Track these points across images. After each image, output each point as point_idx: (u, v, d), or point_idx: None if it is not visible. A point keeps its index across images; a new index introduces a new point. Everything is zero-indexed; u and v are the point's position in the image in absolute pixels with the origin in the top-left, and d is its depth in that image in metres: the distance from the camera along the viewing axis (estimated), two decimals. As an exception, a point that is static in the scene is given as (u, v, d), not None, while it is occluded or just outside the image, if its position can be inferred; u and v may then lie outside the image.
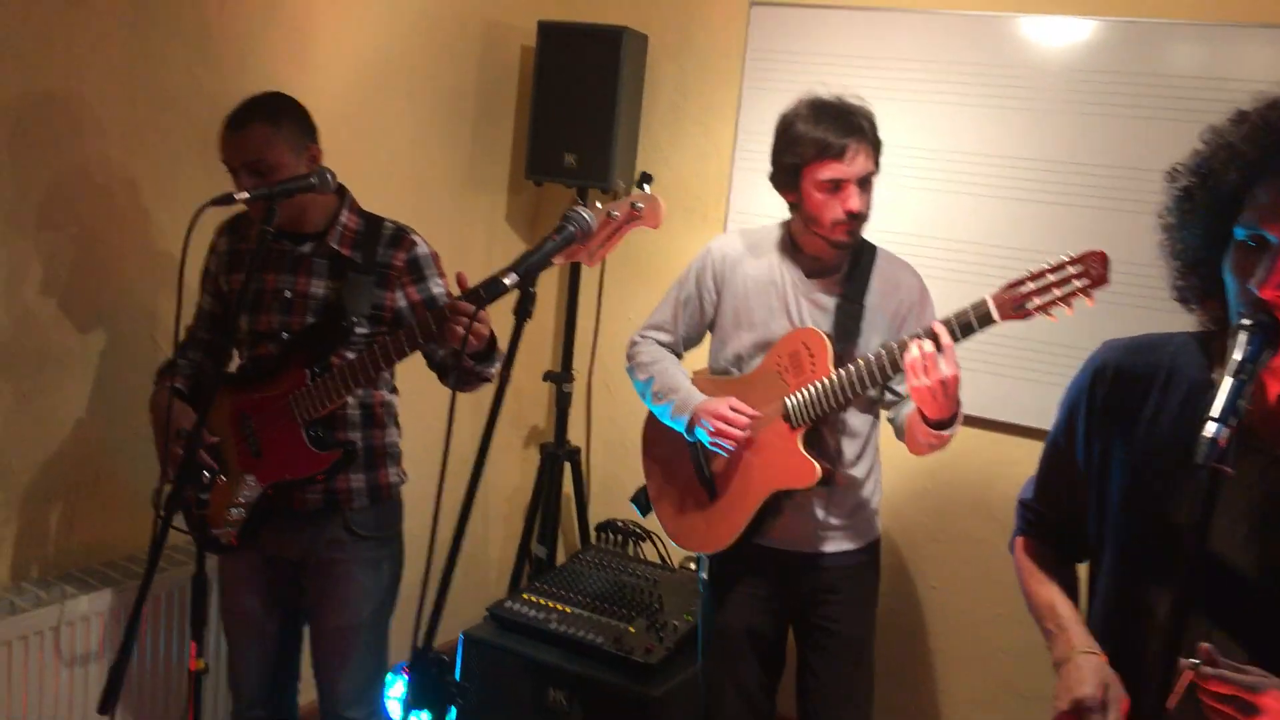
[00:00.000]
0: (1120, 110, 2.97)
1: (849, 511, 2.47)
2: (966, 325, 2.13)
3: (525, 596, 2.99)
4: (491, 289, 1.65)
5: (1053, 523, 1.71)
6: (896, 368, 2.20)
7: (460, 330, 2.07)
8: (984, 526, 3.24)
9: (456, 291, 2.11)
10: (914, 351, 2.12)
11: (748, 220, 3.43)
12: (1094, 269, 1.99)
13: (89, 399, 2.61)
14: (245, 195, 1.99)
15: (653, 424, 2.62)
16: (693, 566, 3.43)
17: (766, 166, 3.36)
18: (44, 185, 2.44)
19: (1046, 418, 2.86)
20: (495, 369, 2.33)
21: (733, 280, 2.49)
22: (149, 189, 2.64)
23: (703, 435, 2.41)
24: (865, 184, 2.33)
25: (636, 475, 3.81)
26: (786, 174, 2.36)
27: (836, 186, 2.29)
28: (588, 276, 3.73)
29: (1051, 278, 2.03)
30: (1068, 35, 3.02)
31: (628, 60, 3.38)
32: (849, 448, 2.45)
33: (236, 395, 2.36)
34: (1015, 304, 2.06)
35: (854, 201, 2.30)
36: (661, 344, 2.62)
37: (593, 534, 3.63)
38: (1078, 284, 2.01)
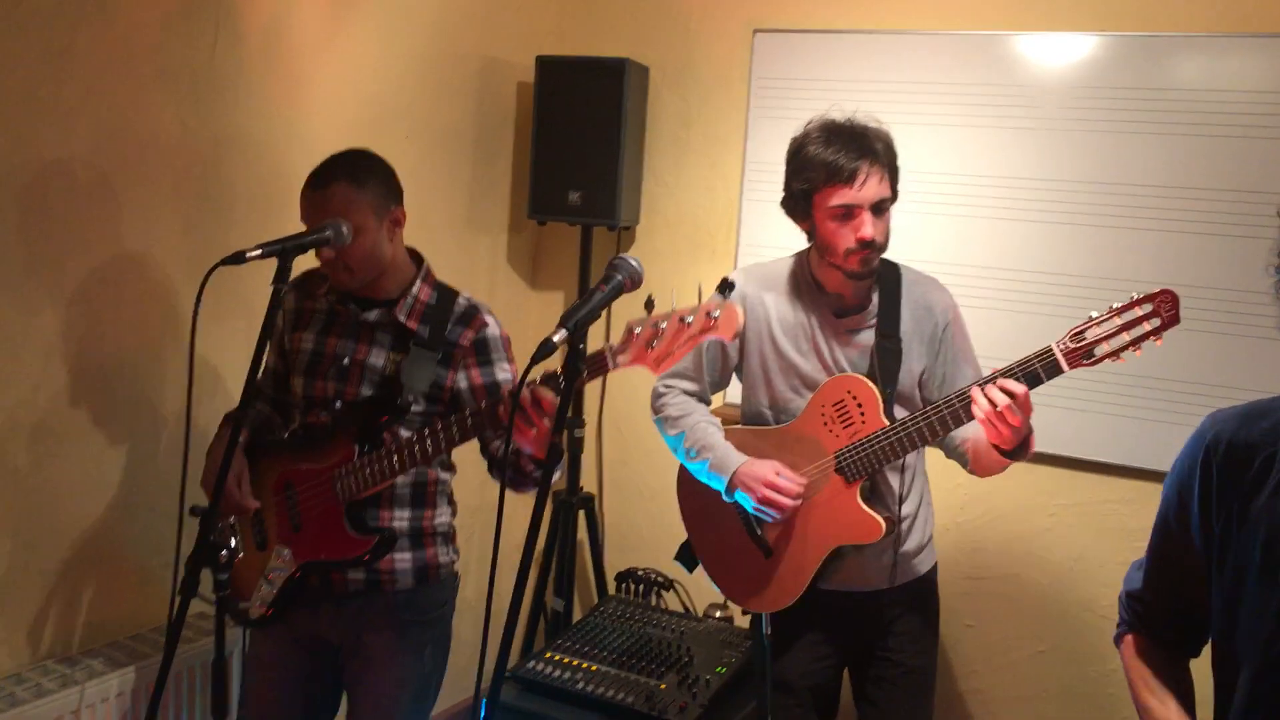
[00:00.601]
0: (1125, 126, 2.94)
1: (906, 545, 2.40)
2: (1032, 377, 2.06)
3: (549, 655, 2.89)
4: (540, 350, 1.57)
5: (1165, 615, 1.62)
6: (960, 421, 2.14)
7: (526, 429, 1.98)
8: (1019, 562, 3.17)
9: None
10: (984, 403, 2.05)
11: (759, 253, 3.39)
12: (1165, 309, 1.92)
13: (97, 468, 2.53)
14: (256, 252, 1.91)
15: (686, 477, 2.52)
16: (717, 615, 3.34)
17: (776, 197, 3.36)
18: (49, 256, 2.36)
19: (1080, 446, 2.78)
20: (555, 478, 2.19)
21: (757, 320, 2.40)
22: (146, 247, 2.57)
23: (744, 500, 2.32)
24: (880, 210, 2.24)
25: (653, 521, 3.79)
26: (798, 201, 2.29)
27: (849, 214, 2.21)
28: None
29: (1119, 320, 1.97)
30: (1071, 52, 2.99)
31: (630, 93, 3.34)
32: (896, 482, 2.37)
33: (285, 461, 2.28)
34: (1083, 351, 2.00)
35: (867, 229, 2.20)
36: (688, 393, 2.52)
37: (610, 584, 3.55)
38: (1147, 326, 1.95)
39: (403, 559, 2.28)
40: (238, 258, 1.90)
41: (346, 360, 2.26)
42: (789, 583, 2.35)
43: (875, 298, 2.35)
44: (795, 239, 3.26)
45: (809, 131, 2.28)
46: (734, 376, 2.53)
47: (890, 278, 2.36)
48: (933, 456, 2.49)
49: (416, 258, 2.35)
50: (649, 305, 1.83)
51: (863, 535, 2.27)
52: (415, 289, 2.27)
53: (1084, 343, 2.00)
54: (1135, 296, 1.98)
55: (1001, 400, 2.02)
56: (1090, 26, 2.99)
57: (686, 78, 3.54)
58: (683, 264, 3.59)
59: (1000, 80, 3.07)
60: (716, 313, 1.80)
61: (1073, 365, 2.02)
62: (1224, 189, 2.85)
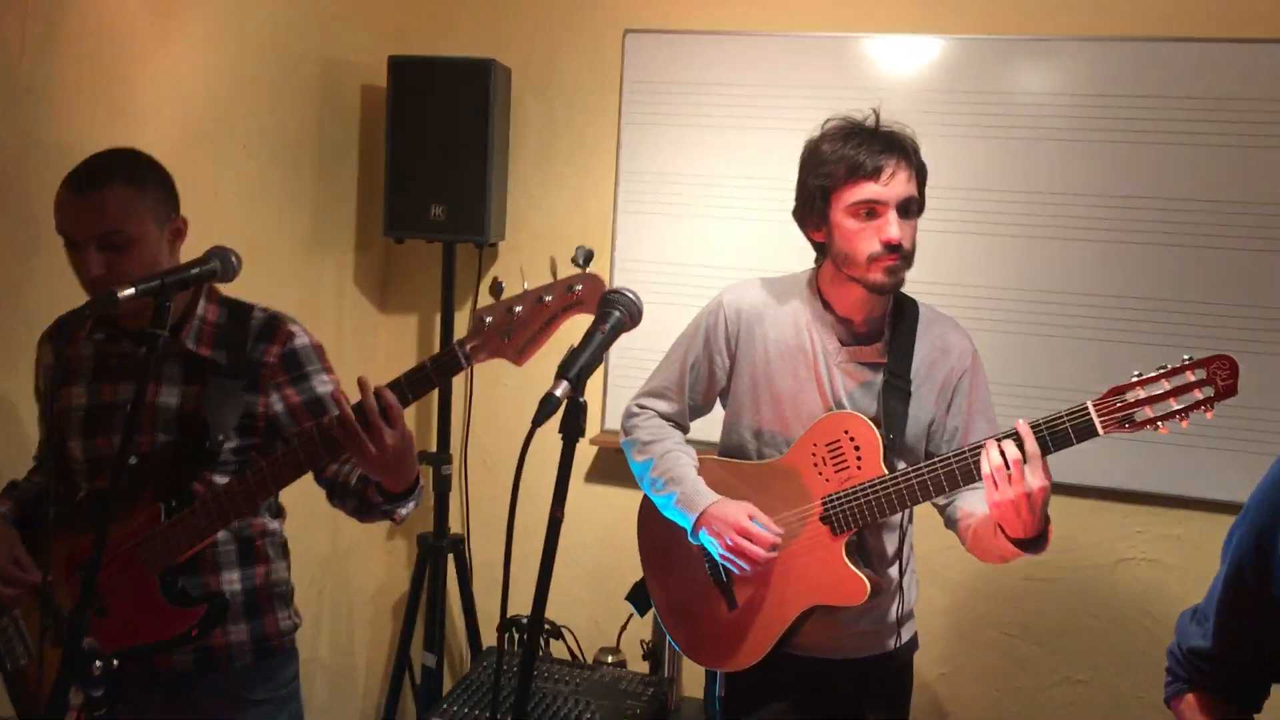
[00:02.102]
0: (1026, 132, 3.00)
1: (886, 613, 2.24)
2: (1061, 437, 1.88)
3: (435, 723, 2.71)
4: (543, 408, 1.40)
5: (1237, 672, 1.56)
6: (970, 478, 1.97)
7: (370, 445, 1.78)
8: (1001, 609, 3.17)
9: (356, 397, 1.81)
10: (995, 457, 1.88)
11: (639, 268, 3.31)
12: (1221, 377, 1.79)
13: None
14: (130, 292, 1.67)
15: (650, 510, 2.34)
16: (610, 661, 3.23)
17: (655, 208, 3.32)
18: None
19: (1068, 473, 2.57)
20: (409, 509, 2.00)
21: (750, 341, 2.22)
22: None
23: (710, 544, 2.15)
24: (907, 212, 2.07)
25: (530, 562, 3.59)
26: (813, 201, 2.10)
27: (872, 212, 2.05)
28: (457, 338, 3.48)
29: (1167, 385, 1.81)
30: (978, 56, 3.04)
31: (497, 98, 3.20)
32: (888, 544, 2.22)
33: (74, 539, 1.98)
34: (1123, 414, 1.84)
35: (893, 229, 2.03)
36: (664, 415, 2.33)
37: (488, 635, 3.38)
38: (1199, 394, 1.79)
39: (237, 630, 2.05)
40: (108, 298, 1.65)
41: (131, 406, 2.01)
42: (753, 641, 2.19)
43: (887, 332, 2.20)
44: (680, 252, 3.25)
45: (826, 130, 2.13)
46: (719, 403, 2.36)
47: (907, 313, 2.19)
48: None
49: None
50: (496, 290, 1.70)
51: (845, 597, 2.10)
52: (200, 310, 2.04)
53: (1124, 402, 1.83)
54: (1188, 360, 1.82)
55: (1013, 452, 1.86)
56: (1006, 30, 3.05)
57: (552, 81, 3.42)
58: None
59: (890, 85, 3.07)
60: (579, 285, 1.69)
61: (1108, 429, 1.85)
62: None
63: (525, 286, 1.73)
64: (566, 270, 1.70)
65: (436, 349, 3.50)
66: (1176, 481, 2.96)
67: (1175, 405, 1.80)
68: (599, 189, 3.39)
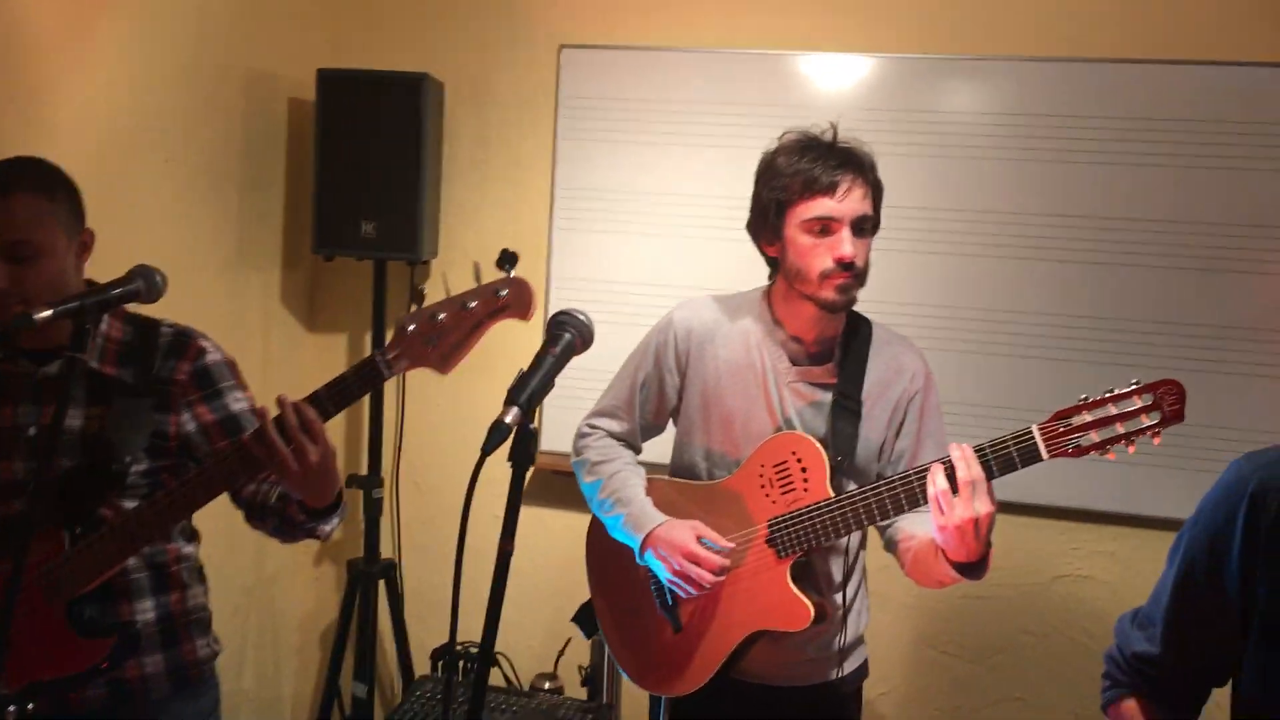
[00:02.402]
0: (966, 150, 3.03)
1: (833, 640, 2.20)
2: (1006, 461, 1.86)
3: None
4: (493, 436, 1.35)
5: (1183, 678, 1.55)
6: (916, 501, 1.96)
7: (292, 462, 1.73)
8: (939, 628, 3.16)
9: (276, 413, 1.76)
10: (940, 482, 1.87)
11: (575, 286, 3.28)
12: (1167, 402, 1.77)
13: None
14: (47, 314, 1.60)
15: (599, 531, 2.30)
16: (547, 687, 3.18)
17: (590, 225, 3.29)
18: None
19: (1004, 490, 2.64)
20: (332, 526, 1.95)
21: (701, 360, 2.19)
22: None
23: (657, 567, 2.12)
24: (861, 230, 2.05)
25: (464, 586, 3.53)
26: (767, 215, 2.08)
27: (826, 228, 2.03)
28: (388, 360, 3.42)
29: (1113, 409, 1.79)
30: (897, 74, 3.06)
31: (430, 112, 3.15)
32: (836, 568, 2.19)
33: None
34: (1068, 440, 1.83)
35: (846, 246, 2.00)
36: (614, 435, 2.30)
37: (421, 663, 3.31)
38: (1146, 421, 1.77)
39: (153, 661, 1.98)
40: (24, 320, 1.58)
41: (33, 430, 1.92)
42: (698, 666, 2.16)
43: (839, 352, 2.18)
44: (617, 269, 3.22)
45: (783, 143, 2.11)
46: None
47: (860, 333, 2.17)
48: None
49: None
50: (417, 297, 1.69)
51: (787, 621, 2.07)
52: (104, 326, 1.96)
53: (1068, 426, 1.81)
54: (1135, 384, 1.80)
55: (963, 477, 1.84)
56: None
57: (484, 95, 3.38)
58: (487, 300, 3.41)
59: (828, 102, 3.08)
60: (504, 291, 1.67)
61: (1054, 454, 1.83)
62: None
63: (448, 293, 1.70)
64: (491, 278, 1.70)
65: (367, 368, 3.43)
66: (1111, 499, 3.00)
67: (1121, 430, 1.79)
68: (534, 205, 3.36)
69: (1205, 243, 2.92)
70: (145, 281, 1.78)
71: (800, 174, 2.03)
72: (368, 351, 3.40)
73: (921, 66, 3.06)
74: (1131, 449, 1.80)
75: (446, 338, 1.69)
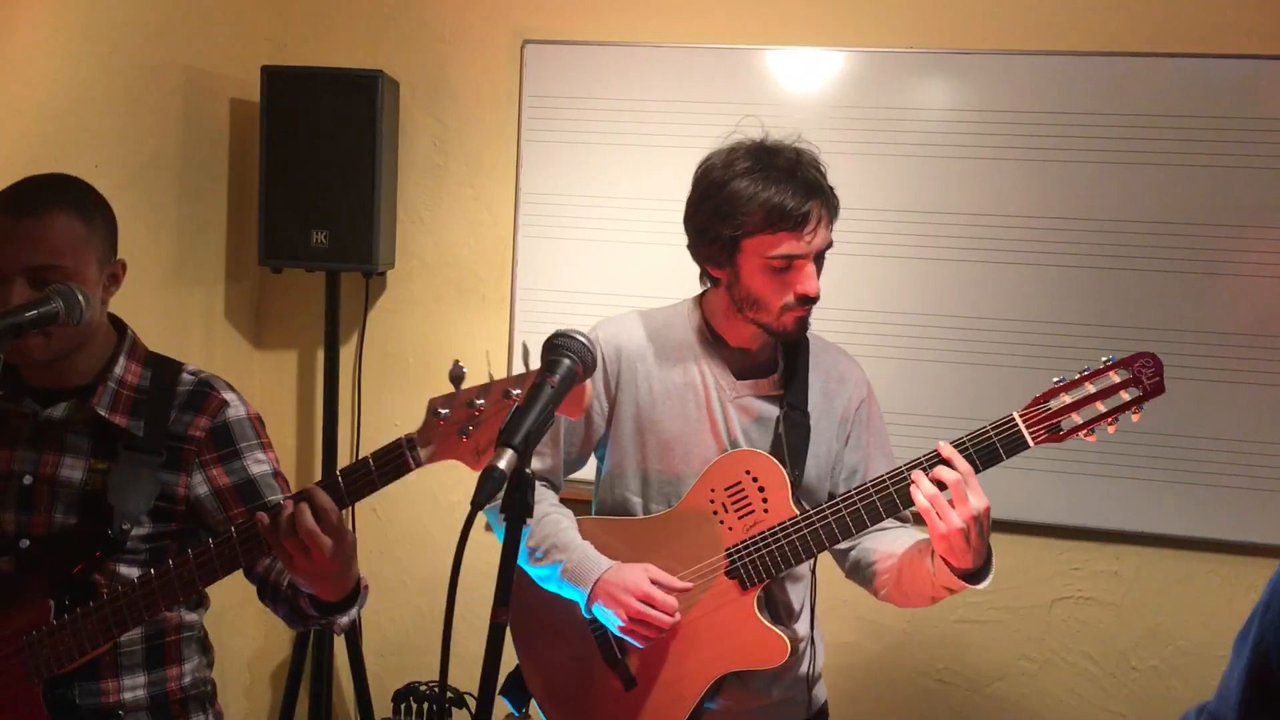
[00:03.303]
0: (928, 149, 2.92)
1: (795, 677, 2.06)
2: (989, 452, 1.80)
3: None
4: (484, 487, 1.17)
5: None
6: (894, 508, 1.85)
7: (301, 559, 1.55)
8: (850, 628, 3.05)
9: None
10: (929, 487, 1.78)
11: (540, 298, 3.13)
12: (1146, 375, 1.74)
13: None
14: None
15: (522, 584, 2.11)
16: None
17: (556, 233, 3.14)
18: None
19: (1001, 508, 2.53)
20: (350, 619, 1.75)
21: (632, 382, 2.03)
22: None
23: (607, 617, 1.94)
24: (820, 260, 1.94)
25: (424, 621, 3.39)
26: (719, 246, 1.92)
27: (789, 266, 1.89)
28: (343, 377, 3.25)
29: (1091, 388, 1.76)
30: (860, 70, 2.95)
31: (385, 113, 2.99)
32: (794, 595, 2.06)
33: None
34: (1050, 423, 1.77)
35: (812, 283, 1.89)
36: (534, 474, 2.10)
37: (382, 705, 3.13)
38: (1126, 396, 1.75)
39: None
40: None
41: (29, 479, 1.75)
42: None
43: (781, 361, 2.05)
44: (587, 280, 3.06)
45: (733, 159, 1.93)
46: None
47: (799, 340, 2.05)
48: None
49: (117, 325, 1.87)
50: (457, 377, 1.50)
51: (763, 658, 1.93)
52: (119, 369, 1.79)
53: (1048, 410, 1.78)
54: (1108, 361, 1.78)
55: (950, 476, 1.76)
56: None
57: (442, 96, 3.22)
58: (447, 314, 3.25)
59: (797, 99, 2.96)
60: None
61: (1039, 440, 1.78)
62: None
63: (490, 376, 1.51)
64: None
65: (319, 387, 3.26)
66: (1113, 516, 2.89)
67: (1102, 409, 1.77)
68: (497, 212, 3.20)
69: (1189, 244, 2.82)
70: (64, 301, 1.60)
71: (764, 208, 1.86)
72: (321, 369, 3.22)
73: (890, 61, 2.94)
74: (1113, 428, 1.78)
75: (485, 429, 1.50)
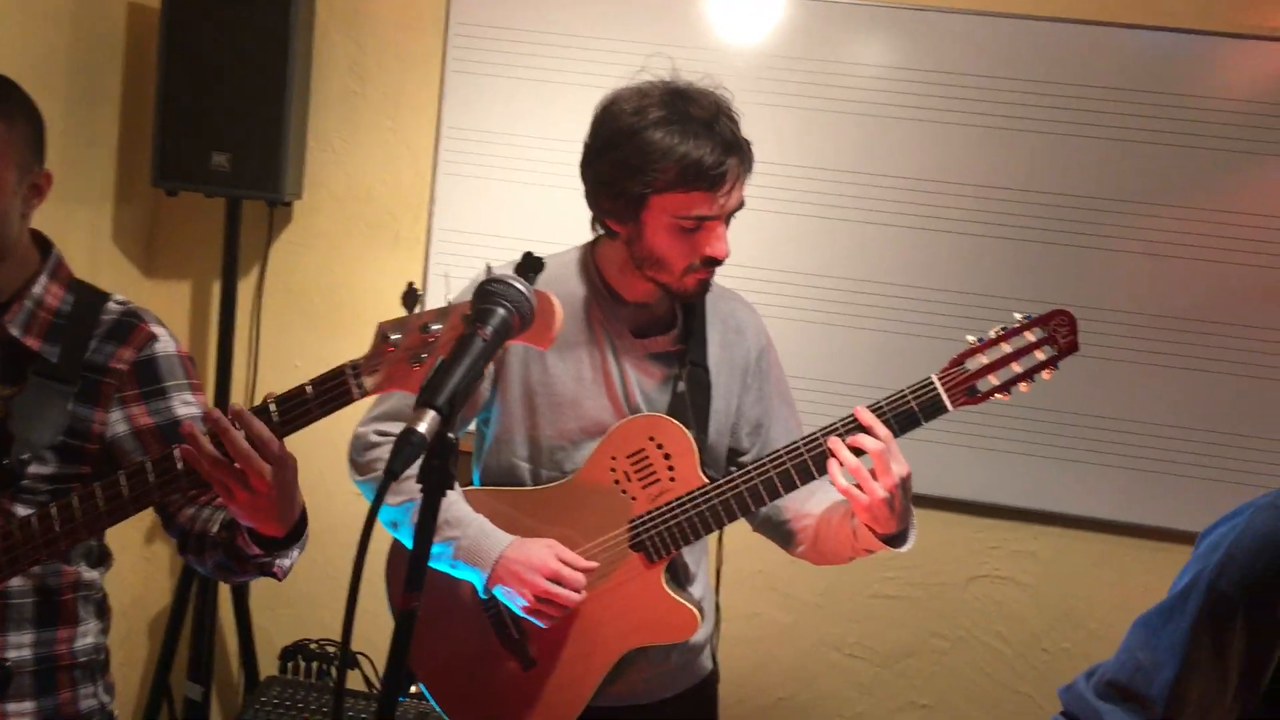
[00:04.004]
0: (863, 107, 2.84)
1: (694, 643, 1.99)
2: (907, 417, 1.77)
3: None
4: (401, 453, 1.03)
5: None
6: (809, 475, 1.79)
7: (241, 492, 1.40)
8: (760, 599, 3.01)
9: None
10: (850, 457, 1.72)
11: (460, 239, 2.98)
12: (1061, 334, 1.72)
13: None
14: None
15: (402, 562, 1.99)
16: (414, 691, 2.91)
17: (480, 171, 3.00)
18: None
19: (920, 483, 2.46)
20: (292, 561, 1.61)
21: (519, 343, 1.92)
22: None
23: (509, 597, 1.83)
24: (729, 219, 1.84)
25: (318, 573, 3.23)
26: (623, 200, 1.79)
27: (698, 226, 1.78)
28: (240, 312, 3.07)
29: (1008, 348, 1.74)
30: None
31: (299, 30, 2.80)
32: (691, 560, 1.99)
33: None
34: (968, 384, 1.75)
35: (721, 245, 1.79)
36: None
37: (268, 663, 3.00)
38: (1040, 355, 1.74)
39: (19, 709, 1.62)
40: None
41: None
42: (561, 703, 1.89)
43: (680, 314, 1.95)
44: (512, 223, 2.92)
45: (645, 105, 1.77)
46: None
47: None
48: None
49: (41, 242, 1.70)
50: (411, 299, 1.37)
51: (672, 632, 1.87)
52: (38, 289, 1.63)
53: (968, 374, 1.76)
54: (1022, 319, 1.76)
55: (873, 444, 1.71)
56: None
57: (362, 17, 3.02)
58: (357, 251, 3.08)
59: (736, 44, 2.85)
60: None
61: (958, 403, 1.76)
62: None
63: (448, 299, 1.36)
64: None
65: (214, 322, 3.07)
66: (1034, 495, 2.87)
67: (1018, 369, 1.76)
68: (416, 147, 3.03)
69: (1124, 221, 2.79)
70: None
71: (679, 163, 1.73)
72: (217, 302, 3.04)
73: (834, 12, 2.84)
74: (1026, 388, 1.77)
75: (438, 356, 1.34)
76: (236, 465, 1.39)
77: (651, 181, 1.75)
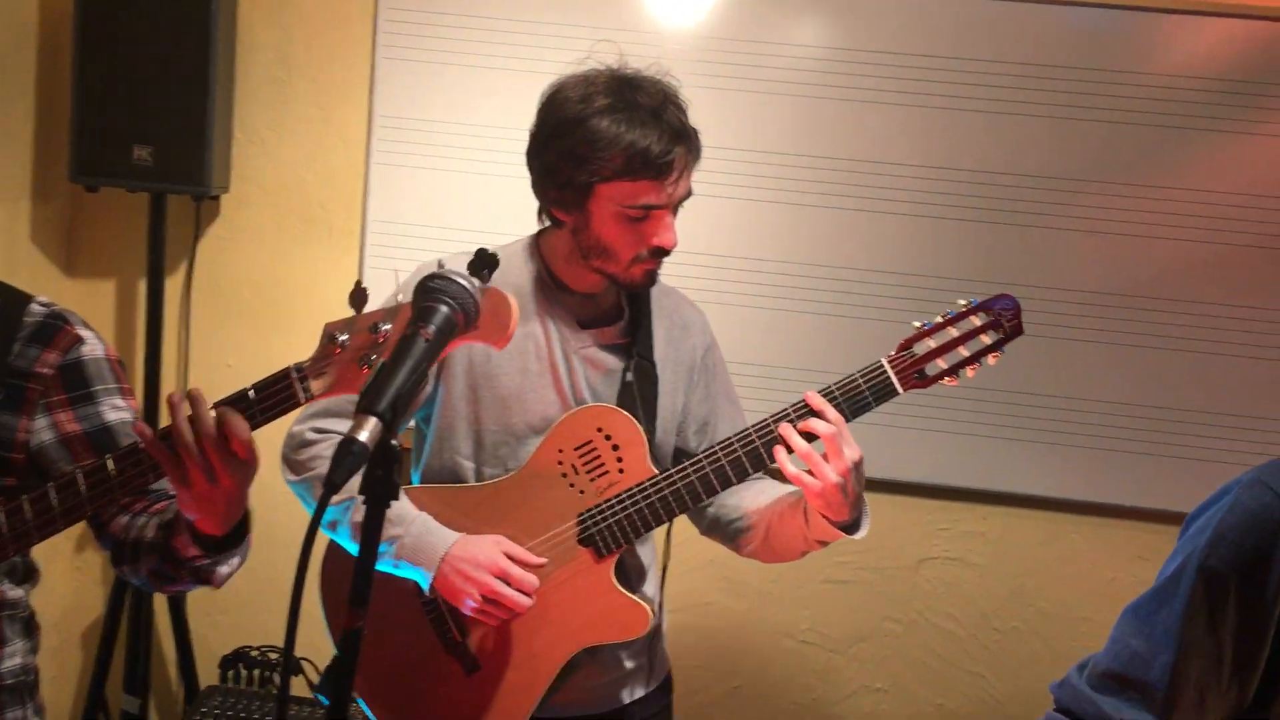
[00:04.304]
0: (796, 88, 2.82)
1: (647, 644, 1.95)
2: (858, 401, 1.76)
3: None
4: (341, 463, 0.97)
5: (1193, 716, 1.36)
6: (761, 463, 1.77)
7: (202, 483, 1.34)
8: (711, 587, 2.99)
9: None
10: (801, 442, 1.71)
11: (396, 231, 2.92)
12: (1006, 318, 1.73)
13: None
14: None
15: (339, 565, 1.92)
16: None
17: (415, 161, 2.93)
18: None
19: (869, 467, 2.43)
20: (233, 569, 1.54)
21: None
22: None
23: (455, 597, 1.79)
24: (677, 209, 1.83)
25: (253, 577, 3.13)
26: (570, 190, 1.77)
27: (646, 215, 1.76)
28: (168, 311, 2.99)
29: (954, 331, 1.74)
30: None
31: (221, 16, 2.71)
32: (644, 555, 1.96)
33: None
34: (918, 368, 1.75)
35: (669, 235, 1.77)
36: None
37: (207, 672, 2.92)
38: (987, 340, 1.75)
39: None
40: None
41: None
42: (508, 708, 1.84)
43: (626, 307, 1.93)
44: (449, 213, 2.87)
45: (590, 93, 1.75)
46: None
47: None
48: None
49: None
50: (358, 298, 1.29)
51: (623, 630, 1.83)
52: None
53: (917, 358, 1.76)
54: (967, 304, 1.77)
55: (825, 429, 1.70)
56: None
57: (287, 3, 2.92)
58: (290, 245, 2.99)
59: (671, 28, 2.82)
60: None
61: (908, 386, 1.76)
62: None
63: (399, 298, 1.32)
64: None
65: (140, 322, 2.98)
66: (981, 475, 2.88)
67: (965, 353, 1.77)
68: (348, 136, 2.96)
69: (1060, 200, 2.79)
70: None
71: (626, 151, 1.72)
72: (143, 303, 2.94)
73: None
74: (973, 372, 1.78)
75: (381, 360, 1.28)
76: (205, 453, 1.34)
77: (598, 170, 1.73)
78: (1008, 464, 2.87)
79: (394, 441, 1.03)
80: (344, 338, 1.33)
